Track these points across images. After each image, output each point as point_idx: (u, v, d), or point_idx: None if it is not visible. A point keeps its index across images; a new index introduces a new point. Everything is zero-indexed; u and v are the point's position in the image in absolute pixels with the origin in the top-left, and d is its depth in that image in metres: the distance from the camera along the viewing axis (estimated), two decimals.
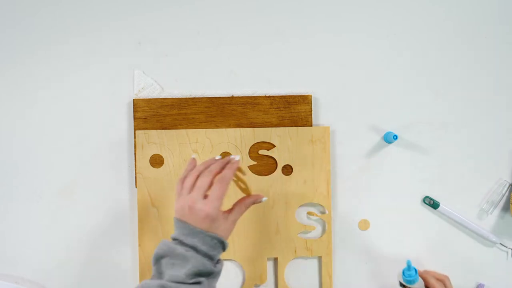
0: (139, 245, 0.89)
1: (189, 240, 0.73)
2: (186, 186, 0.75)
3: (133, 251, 0.91)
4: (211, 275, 0.74)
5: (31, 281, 0.91)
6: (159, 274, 0.74)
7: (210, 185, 0.74)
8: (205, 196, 0.73)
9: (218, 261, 0.75)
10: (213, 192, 0.73)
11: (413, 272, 0.84)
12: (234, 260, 0.90)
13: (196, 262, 0.72)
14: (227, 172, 0.75)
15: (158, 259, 0.74)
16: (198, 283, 0.72)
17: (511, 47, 0.95)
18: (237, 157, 0.78)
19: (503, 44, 0.94)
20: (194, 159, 0.79)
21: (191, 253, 0.72)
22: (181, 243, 0.73)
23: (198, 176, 0.75)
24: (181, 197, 0.74)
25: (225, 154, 0.88)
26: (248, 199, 0.79)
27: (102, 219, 0.91)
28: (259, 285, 0.91)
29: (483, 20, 0.94)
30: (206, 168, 0.76)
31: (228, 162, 0.77)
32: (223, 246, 0.75)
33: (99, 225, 0.91)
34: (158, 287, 0.70)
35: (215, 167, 0.75)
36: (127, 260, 0.91)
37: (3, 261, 0.91)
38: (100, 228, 0.91)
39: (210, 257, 0.73)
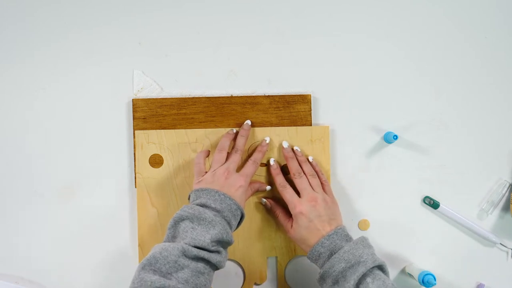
0: (139, 245, 0.89)
1: (218, 205, 0.75)
2: (217, 159, 0.82)
3: (133, 251, 0.91)
4: (227, 246, 0.75)
5: (31, 281, 0.91)
6: (173, 238, 0.73)
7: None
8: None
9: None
10: (246, 169, 0.82)
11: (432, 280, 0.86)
12: (234, 260, 0.90)
13: (222, 228, 0.73)
14: (258, 155, 0.86)
15: (178, 221, 0.73)
16: (218, 252, 0.72)
17: (511, 47, 0.94)
18: (267, 139, 0.88)
19: (503, 44, 0.94)
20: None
21: (218, 218, 0.73)
22: (209, 207, 0.74)
23: (229, 153, 0.84)
24: (214, 169, 0.80)
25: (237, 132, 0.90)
26: (254, 184, 0.87)
27: (101, 219, 0.91)
28: (259, 284, 0.91)
29: (483, 20, 0.94)
30: (229, 142, 0.86)
31: (259, 145, 0.88)
32: (240, 218, 0.79)
33: (98, 225, 0.91)
34: (179, 251, 0.68)
35: (242, 144, 0.85)
36: (127, 260, 0.91)
37: (3, 261, 0.91)
38: (99, 228, 0.91)
39: (230, 226, 0.76)
